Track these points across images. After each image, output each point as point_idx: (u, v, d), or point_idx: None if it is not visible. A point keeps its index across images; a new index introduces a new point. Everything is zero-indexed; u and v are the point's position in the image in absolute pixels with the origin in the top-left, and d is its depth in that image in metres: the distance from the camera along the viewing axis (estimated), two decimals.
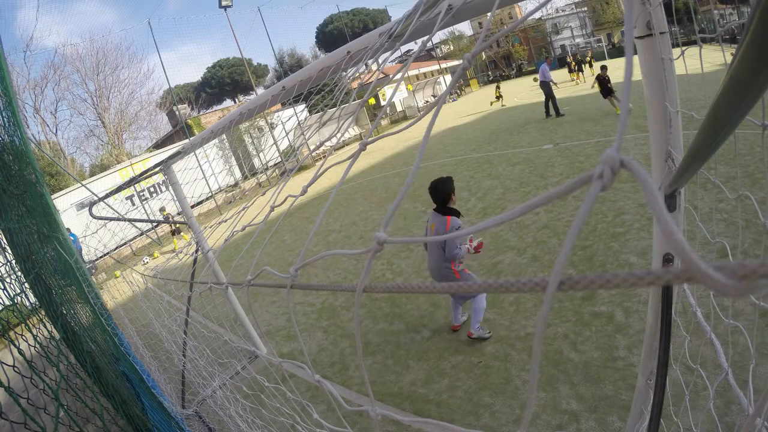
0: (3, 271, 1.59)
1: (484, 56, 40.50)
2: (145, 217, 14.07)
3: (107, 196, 3.74)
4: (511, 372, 2.91)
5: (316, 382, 0.75)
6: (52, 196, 8.32)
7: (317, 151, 11.67)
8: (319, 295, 5.10)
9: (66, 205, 12.63)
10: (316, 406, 1.82)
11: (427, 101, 29.80)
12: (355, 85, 11.06)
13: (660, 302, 1.18)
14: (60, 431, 0.92)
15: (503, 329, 3.36)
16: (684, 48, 1.07)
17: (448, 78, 34.20)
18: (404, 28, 1.13)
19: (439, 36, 41.27)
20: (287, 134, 18.83)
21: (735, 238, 3.37)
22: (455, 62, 38.69)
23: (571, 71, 19.88)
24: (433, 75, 34.97)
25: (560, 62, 29.08)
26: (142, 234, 13.54)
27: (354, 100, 5.96)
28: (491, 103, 18.62)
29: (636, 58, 1.02)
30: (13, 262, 1.77)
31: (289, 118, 19.25)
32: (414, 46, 21.88)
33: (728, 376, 0.96)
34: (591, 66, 20.75)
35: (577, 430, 2.31)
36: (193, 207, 9.33)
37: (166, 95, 26.30)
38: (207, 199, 16.21)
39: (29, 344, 1.27)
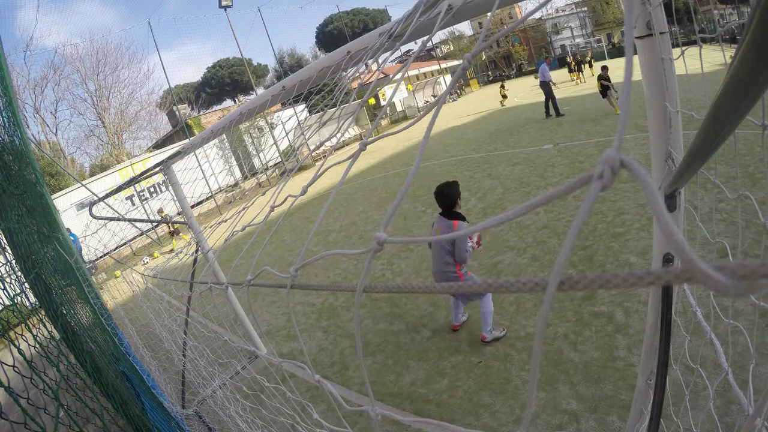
0: (3, 271, 1.59)
1: (484, 56, 40.50)
2: (145, 217, 14.07)
3: (107, 196, 3.74)
4: (511, 372, 2.91)
5: (316, 382, 0.75)
6: (52, 196, 8.33)
7: (317, 151, 11.67)
8: (319, 295, 5.10)
9: (66, 205, 12.63)
10: (316, 406, 1.82)
11: (427, 101, 29.80)
12: (355, 85, 11.06)
13: (660, 302, 1.18)
14: (60, 431, 0.92)
15: None
16: (684, 48, 1.07)
17: (448, 78, 34.20)
18: (404, 28, 1.13)
19: (439, 36, 41.28)
20: (287, 134, 18.83)
21: (735, 238, 3.37)
22: (455, 62, 38.69)
23: (571, 71, 19.88)
24: (433, 75, 34.97)
25: (560, 62, 29.08)
26: (142, 234, 13.54)
27: (354, 100, 5.96)
28: (501, 103, 18.48)
29: (636, 58, 1.02)
30: (13, 262, 1.77)
31: (289, 118, 19.25)
32: (414, 46, 21.89)
33: (728, 376, 0.96)
34: (591, 66, 20.76)
35: (577, 430, 2.31)
36: (193, 207, 9.32)
37: (166, 95, 26.31)
38: (207, 199, 16.21)
39: (29, 344, 1.27)
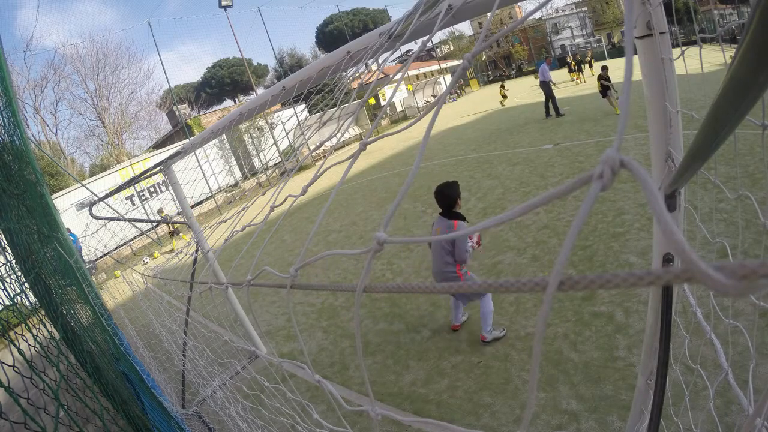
0: (3, 271, 1.59)
1: (484, 56, 40.50)
2: (145, 217, 14.07)
3: (107, 196, 3.74)
4: (511, 372, 2.91)
5: (316, 382, 0.75)
6: (52, 196, 8.32)
7: (317, 151, 11.67)
8: (319, 295, 5.10)
9: (66, 205, 12.63)
10: (316, 406, 1.82)
11: (427, 101, 29.81)
12: (355, 85, 11.06)
13: (660, 302, 1.18)
14: (60, 431, 0.92)
15: None
16: (684, 48, 1.07)
17: (448, 78, 34.20)
18: (404, 28, 1.13)
19: (439, 36, 41.28)
20: (287, 134, 18.83)
21: (735, 238, 3.37)
22: (455, 62, 38.70)
23: (571, 71, 19.89)
24: (433, 75, 34.97)
25: (560, 62, 29.09)
26: (142, 234, 13.54)
27: (354, 100, 5.96)
28: (501, 103, 18.46)
29: (636, 58, 1.02)
30: (13, 262, 1.77)
31: (289, 118, 19.25)
32: (414, 46, 21.88)
33: (728, 376, 0.96)
34: (591, 66, 20.76)
35: (577, 430, 2.31)
36: (193, 207, 9.32)
37: (166, 95, 26.31)
38: (207, 199, 16.21)
39: (29, 344, 1.27)
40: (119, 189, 3.75)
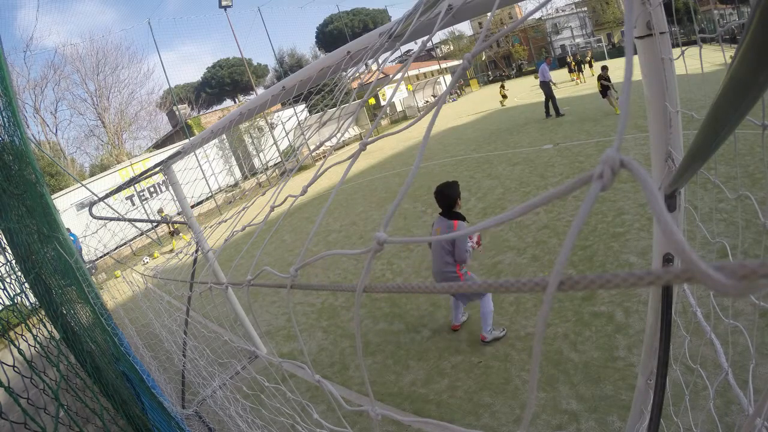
0: (3, 271, 1.59)
1: (484, 56, 40.50)
2: (145, 217, 14.07)
3: (107, 196, 3.74)
4: (511, 372, 2.91)
5: (316, 382, 0.75)
6: (52, 196, 8.32)
7: (317, 151, 11.67)
8: (319, 295, 5.10)
9: (66, 205, 12.63)
10: (316, 406, 1.82)
11: (427, 101, 29.81)
12: (355, 85, 11.06)
13: (660, 302, 1.18)
14: (60, 431, 0.92)
15: None
16: (684, 48, 1.07)
17: (448, 78, 34.20)
18: (404, 28, 1.13)
19: (439, 36, 41.29)
20: (287, 134, 18.83)
21: (735, 238, 3.37)
22: (455, 62, 38.70)
23: (571, 71, 19.89)
24: (433, 75, 34.97)
25: (560, 62, 29.09)
26: (142, 234, 13.54)
27: (354, 100, 5.96)
28: (501, 103, 18.42)
29: (636, 58, 1.02)
30: (13, 262, 1.77)
31: (289, 118, 19.25)
32: (414, 46, 21.89)
33: (728, 376, 0.96)
34: (591, 66, 20.76)
35: (577, 430, 2.31)
36: (193, 207, 9.32)
37: (166, 95, 26.31)
38: (207, 199, 16.21)
39: (29, 344, 1.27)
40: (119, 189, 3.75)
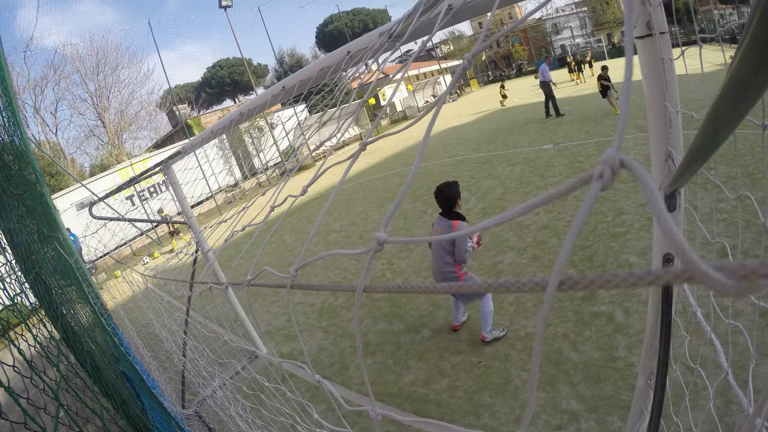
0: (3, 271, 1.59)
1: (484, 56, 40.50)
2: (145, 217, 14.07)
3: (107, 196, 3.74)
4: (511, 372, 2.91)
5: (316, 382, 0.75)
6: (52, 196, 8.32)
7: (317, 151, 11.67)
8: (319, 295, 5.10)
9: (66, 205, 12.63)
10: (316, 406, 1.82)
11: (427, 101, 29.80)
12: (355, 85, 11.06)
13: (660, 302, 1.18)
14: (60, 431, 0.92)
15: None
16: (684, 48, 1.07)
17: (448, 78, 34.20)
18: (404, 28, 1.13)
19: (439, 36, 41.29)
20: (287, 134, 18.83)
21: (735, 238, 3.37)
22: (455, 62, 38.69)
23: (571, 71, 19.89)
24: (433, 75, 34.97)
25: (560, 62, 29.09)
26: (142, 234, 13.54)
27: (354, 100, 5.96)
28: (501, 103, 18.36)
29: (636, 58, 1.02)
30: (13, 262, 1.77)
31: (289, 118, 19.25)
32: (414, 46, 21.88)
33: (728, 376, 0.96)
34: (591, 66, 20.76)
35: (577, 430, 2.31)
36: (193, 207, 9.32)
37: (166, 95, 26.31)
38: (207, 199, 16.21)
39: (29, 344, 1.27)
40: (119, 189, 3.75)
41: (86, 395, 1.32)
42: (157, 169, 3.49)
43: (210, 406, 3.35)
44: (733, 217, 3.70)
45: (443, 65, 37.02)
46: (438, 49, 44.27)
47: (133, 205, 14.62)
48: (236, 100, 34.22)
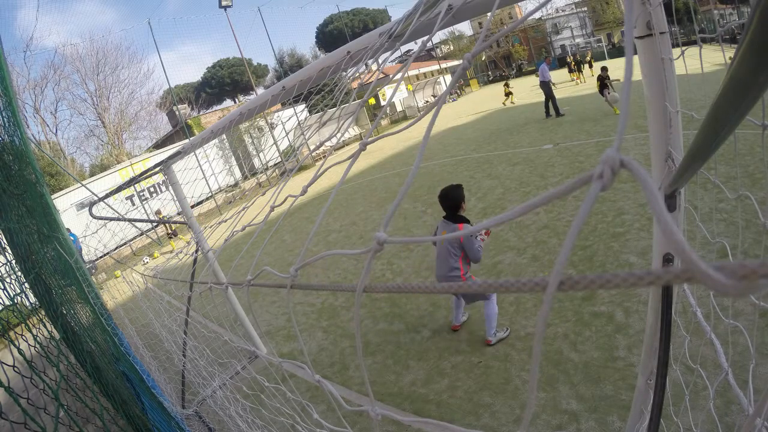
0: (3, 271, 1.59)
1: (484, 56, 40.50)
2: (144, 217, 14.08)
3: (107, 196, 3.74)
4: (511, 372, 2.91)
5: (316, 382, 0.75)
6: (52, 196, 8.33)
7: (317, 151, 11.67)
8: (319, 295, 5.10)
9: (66, 205, 12.63)
10: (316, 406, 1.82)
11: (427, 101, 29.80)
12: (355, 85, 11.06)
13: (660, 302, 1.18)
14: (60, 431, 0.92)
15: None
16: (684, 48, 1.07)
17: (448, 78, 34.20)
18: (404, 28, 1.13)
19: (439, 36, 41.29)
20: (287, 134, 18.83)
21: (735, 238, 3.37)
22: (455, 62, 38.69)
23: (571, 71, 19.89)
24: (433, 75, 34.97)
25: (560, 62, 29.08)
26: (142, 234, 13.54)
27: (354, 100, 5.96)
28: (504, 103, 18.26)
29: (636, 58, 1.02)
30: (13, 262, 1.77)
31: (289, 118, 19.25)
32: (414, 46, 21.88)
33: (728, 376, 0.96)
34: (591, 66, 20.76)
35: (577, 430, 2.31)
36: (193, 207, 9.32)
37: (166, 95, 26.32)
38: (207, 199, 16.21)
39: (29, 344, 1.27)
40: (119, 189, 3.75)
41: (86, 395, 1.32)
42: (157, 169, 3.49)
43: (210, 406, 3.35)
44: (733, 217, 3.70)
45: (443, 65, 37.01)
46: (438, 49, 44.27)
47: (133, 205, 14.62)
48: (236, 100, 34.23)
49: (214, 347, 3.93)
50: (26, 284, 1.65)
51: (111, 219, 3.84)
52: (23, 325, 1.16)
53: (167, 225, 11.47)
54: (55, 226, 4.24)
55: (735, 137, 0.94)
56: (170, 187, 3.87)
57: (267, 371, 3.68)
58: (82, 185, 9.25)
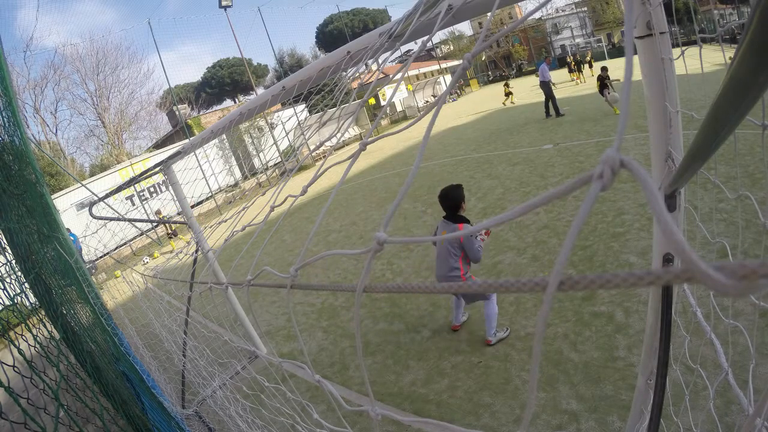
0: (3, 271, 1.59)
1: (484, 56, 40.50)
2: (144, 217, 14.07)
3: (107, 196, 3.74)
4: (511, 372, 2.91)
5: (316, 382, 0.75)
6: (52, 196, 8.33)
7: (317, 151, 11.67)
8: (319, 295, 5.10)
9: (66, 205, 12.63)
10: (316, 406, 1.82)
11: (427, 101, 29.80)
12: (355, 85, 11.06)
13: (660, 302, 1.18)
14: (60, 431, 0.92)
15: None
16: (684, 48, 1.07)
17: (448, 78, 34.20)
18: (404, 28, 1.13)
19: (439, 36, 41.29)
20: (287, 134, 18.83)
21: (735, 238, 3.37)
22: (455, 62, 38.69)
23: (571, 71, 19.89)
24: (433, 75, 34.96)
25: (560, 62, 29.08)
26: (142, 234, 13.54)
27: (354, 100, 5.96)
28: (504, 103, 18.21)
29: (636, 58, 1.02)
30: (13, 262, 1.77)
31: (289, 118, 19.25)
32: (414, 46, 21.88)
33: (728, 376, 0.96)
34: (591, 66, 20.76)
35: (577, 430, 2.31)
36: (193, 207, 9.32)
37: (166, 95, 26.32)
38: (207, 199, 16.21)
39: (29, 344, 1.27)
40: (119, 189, 3.75)
41: (86, 395, 1.32)
42: (157, 169, 3.49)
43: (210, 406, 3.35)
44: (733, 217, 3.70)
45: (443, 65, 37.01)
46: (438, 49, 44.27)
47: (133, 205, 14.62)
48: (236, 100, 34.23)
49: (214, 347, 3.93)
50: (26, 284, 1.65)
51: (111, 219, 3.84)
52: (23, 325, 1.16)
53: (167, 225, 11.47)
54: (55, 226, 4.24)
55: (735, 137, 0.94)
56: (170, 187, 3.87)
57: (267, 371, 3.68)
58: (82, 185, 9.25)
